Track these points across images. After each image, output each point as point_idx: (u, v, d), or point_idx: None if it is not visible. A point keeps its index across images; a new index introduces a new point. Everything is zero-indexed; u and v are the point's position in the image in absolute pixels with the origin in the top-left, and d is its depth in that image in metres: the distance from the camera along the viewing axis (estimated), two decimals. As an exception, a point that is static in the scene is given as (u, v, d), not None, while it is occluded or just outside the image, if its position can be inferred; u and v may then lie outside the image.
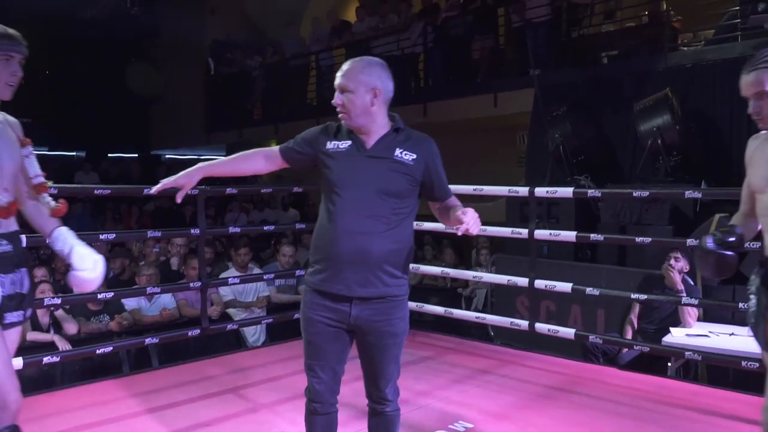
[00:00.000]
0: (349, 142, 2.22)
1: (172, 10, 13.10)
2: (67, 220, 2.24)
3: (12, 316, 2.03)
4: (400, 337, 2.23)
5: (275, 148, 2.36)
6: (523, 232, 4.12)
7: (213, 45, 13.77)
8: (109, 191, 3.75)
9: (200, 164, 2.29)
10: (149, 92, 13.91)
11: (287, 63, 11.73)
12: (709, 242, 2.12)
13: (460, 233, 2.11)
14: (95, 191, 3.71)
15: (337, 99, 2.20)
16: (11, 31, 1.92)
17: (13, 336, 2.06)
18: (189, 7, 13.50)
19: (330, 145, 2.23)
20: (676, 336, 3.95)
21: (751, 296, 2.07)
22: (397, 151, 2.20)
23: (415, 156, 2.20)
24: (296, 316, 3.47)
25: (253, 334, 5.44)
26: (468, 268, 6.94)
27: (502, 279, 4.48)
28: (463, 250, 7.55)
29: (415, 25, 9.32)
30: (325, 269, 2.16)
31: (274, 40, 12.63)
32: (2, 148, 1.99)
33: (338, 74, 2.22)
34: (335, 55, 10.60)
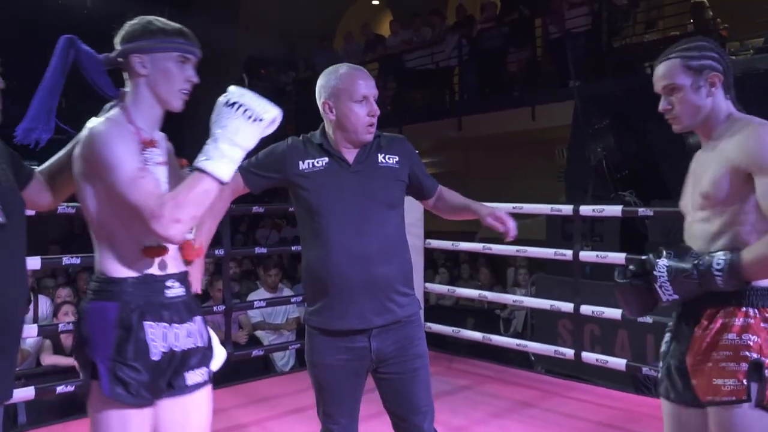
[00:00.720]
0: (326, 159, 2.01)
1: (206, 27, 13.10)
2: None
3: (194, 375, 1.61)
4: (426, 357, 2.03)
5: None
6: (567, 254, 3.86)
7: (247, 61, 13.83)
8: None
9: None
10: (184, 109, 13.95)
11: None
12: (617, 275, 1.77)
13: (511, 237, 1.98)
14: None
15: (376, 109, 2.02)
16: (184, 28, 1.66)
17: (198, 402, 1.63)
18: (222, 23, 13.55)
19: (303, 165, 2.01)
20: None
21: (667, 334, 1.78)
22: (380, 158, 2.03)
23: (397, 158, 2.04)
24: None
25: (282, 357, 5.27)
26: (505, 288, 6.68)
27: (545, 304, 4.20)
28: (499, 268, 7.29)
29: (450, 38, 9.14)
30: (331, 305, 1.96)
31: (306, 56, 12.60)
32: (172, 178, 1.68)
33: (369, 81, 2.02)
34: (369, 69, 10.41)
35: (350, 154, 2.02)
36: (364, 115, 1.99)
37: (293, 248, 4.94)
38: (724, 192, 1.60)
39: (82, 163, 1.54)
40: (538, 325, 5.74)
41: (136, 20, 1.65)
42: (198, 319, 1.66)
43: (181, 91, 1.62)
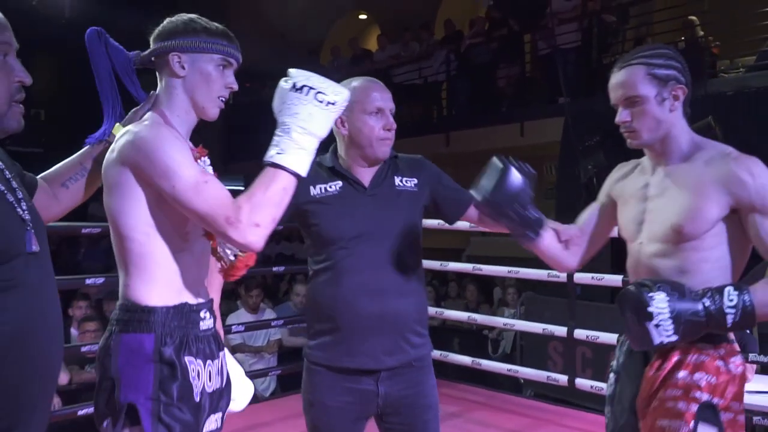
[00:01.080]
0: (340, 183, 1.84)
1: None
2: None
3: (210, 424, 1.44)
4: (437, 408, 1.87)
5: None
6: (561, 276, 3.72)
7: (234, 77, 13.67)
8: (99, 230, 3.32)
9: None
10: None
11: (307, 92, 11.50)
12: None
13: None
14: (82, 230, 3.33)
15: (393, 122, 1.85)
16: (228, 30, 1.50)
17: None
18: (209, 36, 13.42)
19: (315, 190, 1.83)
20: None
21: (611, 375, 1.63)
22: (397, 180, 1.87)
23: (416, 180, 1.88)
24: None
25: (263, 382, 5.06)
26: (492, 306, 6.53)
27: (537, 327, 4.06)
28: (487, 286, 7.14)
29: (438, 53, 9.06)
30: (340, 340, 1.78)
31: (293, 69, 12.48)
32: None
33: (384, 93, 1.87)
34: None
35: (365, 176, 1.86)
36: (379, 128, 1.83)
37: (274, 269, 4.78)
38: (703, 227, 1.47)
39: (126, 171, 1.36)
40: (528, 346, 5.58)
41: (176, 17, 1.49)
42: (222, 354, 1.51)
43: (220, 98, 1.47)
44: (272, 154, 1.34)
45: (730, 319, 1.38)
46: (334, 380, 1.79)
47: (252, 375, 4.64)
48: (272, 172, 1.34)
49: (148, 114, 1.47)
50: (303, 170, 1.35)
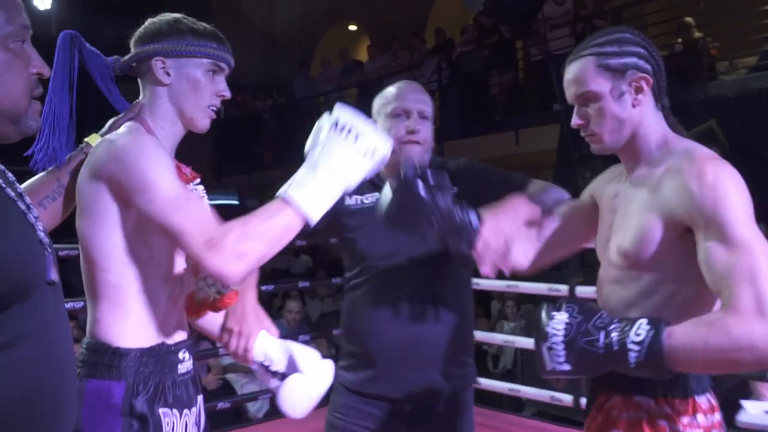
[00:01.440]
0: (377, 194, 1.68)
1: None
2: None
3: None
4: None
5: None
6: (562, 289, 3.53)
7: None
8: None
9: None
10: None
11: (297, 104, 11.41)
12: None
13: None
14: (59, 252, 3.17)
15: (419, 125, 1.67)
16: (218, 31, 1.36)
17: None
18: (198, 50, 13.30)
19: (351, 200, 1.71)
20: (753, 413, 3.30)
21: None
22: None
23: (455, 189, 1.67)
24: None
25: (254, 403, 4.86)
26: (490, 320, 6.33)
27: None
28: (484, 299, 6.95)
29: (429, 62, 8.91)
30: (368, 365, 1.65)
31: (283, 82, 12.34)
32: None
33: (412, 94, 1.70)
34: (347, 95, 10.24)
35: None
36: (401, 132, 1.66)
37: (263, 287, 4.57)
38: (650, 251, 1.23)
39: (101, 187, 1.20)
40: (529, 361, 5.38)
41: (159, 17, 1.33)
42: (200, 398, 1.35)
43: (210, 108, 1.33)
44: (288, 188, 1.18)
45: (632, 356, 1.10)
46: (358, 403, 1.66)
47: (244, 400, 4.48)
48: (280, 205, 1.18)
49: (128, 123, 1.30)
50: (315, 215, 1.18)
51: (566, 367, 1.16)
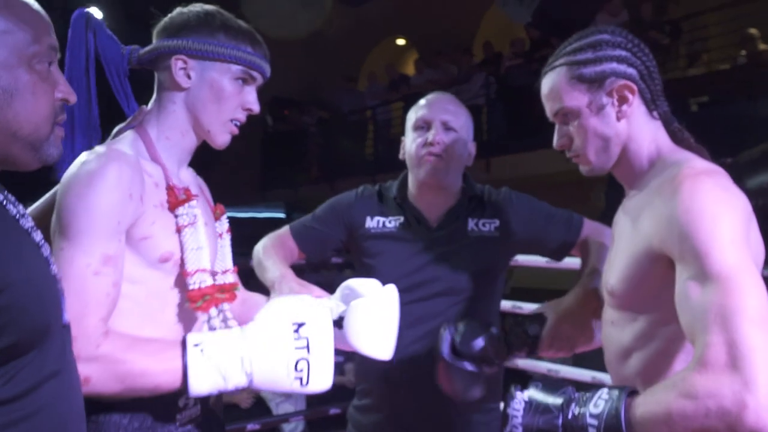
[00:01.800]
0: (401, 218, 1.54)
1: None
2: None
3: None
4: None
5: (284, 232, 1.63)
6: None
7: (271, 102, 13.65)
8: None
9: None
10: (207, 152, 13.81)
11: (344, 119, 11.36)
12: (444, 346, 1.31)
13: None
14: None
15: (439, 136, 1.50)
16: (255, 32, 1.19)
17: None
18: (246, 65, 13.43)
19: (371, 222, 1.56)
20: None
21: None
22: (471, 224, 1.54)
23: (497, 222, 1.54)
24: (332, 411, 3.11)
25: (288, 424, 4.72)
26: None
27: (585, 375, 3.57)
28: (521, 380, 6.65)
29: (477, 76, 8.72)
30: (378, 407, 1.51)
31: (329, 96, 12.34)
32: (209, 232, 1.23)
33: (435, 104, 1.55)
34: (393, 108, 10.14)
35: (433, 211, 1.55)
36: (418, 145, 1.52)
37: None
38: (639, 289, 1.06)
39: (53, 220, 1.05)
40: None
41: (189, 7, 1.17)
42: None
43: (233, 122, 1.16)
44: (194, 340, 0.99)
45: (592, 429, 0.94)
46: None
47: (276, 422, 4.34)
48: (173, 354, 0.99)
49: (126, 133, 1.14)
50: (195, 389, 0.98)
51: None
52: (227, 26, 1.14)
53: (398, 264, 1.47)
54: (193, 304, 1.12)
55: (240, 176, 13.88)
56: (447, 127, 1.54)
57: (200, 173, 1.36)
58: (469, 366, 1.29)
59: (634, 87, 1.11)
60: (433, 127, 1.54)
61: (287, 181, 12.83)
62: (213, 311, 1.13)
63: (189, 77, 1.13)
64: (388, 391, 1.50)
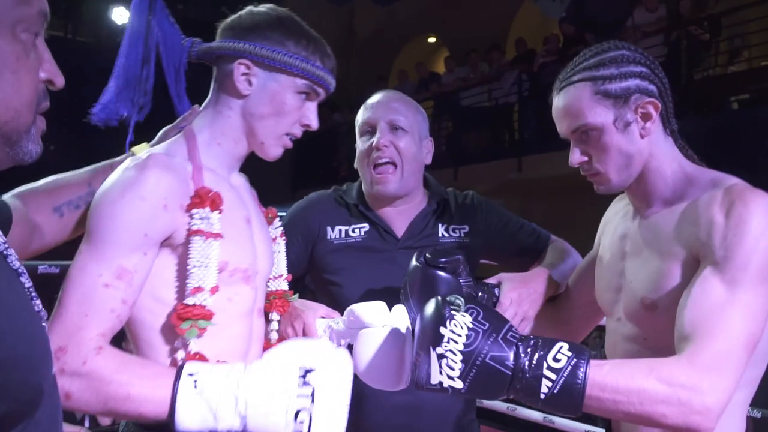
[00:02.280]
0: (366, 226, 1.43)
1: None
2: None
3: None
4: None
5: None
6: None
7: (301, 102, 13.67)
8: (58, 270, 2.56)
9: None
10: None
11: (373, 118, 11.31)
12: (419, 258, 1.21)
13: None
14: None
15: (384, 139, 1.41)
16: (326, 44, 1.13)
17: None
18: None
19: (333, 233, 1.44)
20: None
21: None
22: (441, 230, 1.45)
23: (466, 228, 1.45)
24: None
25: None
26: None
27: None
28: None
29: (509, 74, 8.57)
30: (357, 426, 1.37)
31: (360, 95, 12.29)
32: (263, 236, 1.18)
33: (379, 104, 1.45)
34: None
35: (398, 221, 1.45)
36: (363, 152, 1.43)
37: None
38: (672, 299, 1.03)
39: None
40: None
41: (262, 7, 1.11)
42: None
43: (288, 137, 1.11)
44: (190, 371, 0.91)
45: (545, 387, 0.89)
46: None
47: None
48: (164, 382, 0.91)
49: (175, 138, 1.08)
50: (182, 423, 0.90)
51: (458, 385, 0.91)
52: (299, 35, 1.08)
53: (366, 279, 1.35)
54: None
55: (271, 177, 13.92)
56: (394, 127, 1.43)
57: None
58: (439, 272, 1.20)
59: (659, 104, 1.10)
60: (378, 130, 1.43)
61: (318, 181, 12.79)
62: (192, 333, 1.02)
63: (250, 84, 1.07)
64: (368, 416, 1.39)
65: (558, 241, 1.53)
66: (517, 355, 0.91)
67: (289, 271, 1.47)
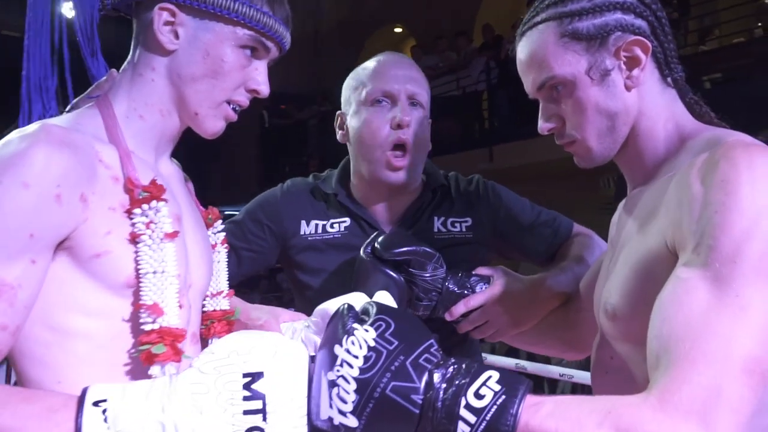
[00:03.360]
0: (347, 221, 1.23)
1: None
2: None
3: None
4: None
5: None
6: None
7: (267, 97, 13.42)
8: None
9: None
10: (207, 149, 13.61)
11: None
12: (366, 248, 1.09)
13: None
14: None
15: (408, 116, 1.20)
16: None
17: None
18: (242, 59, 13.29)
19: (308, 227, 1.23)
20: None
21: None
22: (437, 223, 1.22)
23: (469, 221, 1.23)
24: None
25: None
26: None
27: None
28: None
29: (477, 61, 8.40)
30: None
31: (327, 88, 12.09)
32: (198, 240, 0.97)
33: (399, 71, 1.23)
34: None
35: (386, 212, 1.24)
36: (383, 126, 1.19)
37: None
38: (644, 306, 0.76)
39: None
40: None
41: None
42: None
43: (231, 106, 0.89)
44: (95, 396, 0.68)
45: (462, 430, 0.65)
46: None
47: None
48: (64, 412, 0.68)
49: (86, 107, 0.87)
50: None
51: (352, 423, 0.67)
52: None
53: (345, 281, 1.12)
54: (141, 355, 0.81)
55: (241, 174, 13.64)
56: (413, 103, 1.22)
57: (192, 168, 1.02)
58: (386, 269, 1.04)
59: (648, 44, 0.85)
60: (399, 104, 1.21)
61: (287, 177, 12.50)
62: (155, 370, 0.80)
63: (177, 36, 0.85)
64: None
65: (581, 234, 1.31)
66: (429, 386, 0.67)
67: (253, 268, 1.29)
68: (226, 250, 1.05)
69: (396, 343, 0.69)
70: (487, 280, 1.13)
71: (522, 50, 0.92)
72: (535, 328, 1.16)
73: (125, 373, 0.82)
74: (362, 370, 0.67)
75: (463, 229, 1.27)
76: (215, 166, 14.73)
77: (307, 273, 1.24)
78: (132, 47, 0.90)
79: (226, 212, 1.13)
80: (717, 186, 0.70)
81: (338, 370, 0.68)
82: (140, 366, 0.81)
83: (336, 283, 1.18)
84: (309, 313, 1.22)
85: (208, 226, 1.03)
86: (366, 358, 0.68)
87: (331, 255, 1.23)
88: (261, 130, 13.15)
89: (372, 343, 0.68)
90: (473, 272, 1.14)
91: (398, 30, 12.68)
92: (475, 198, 1.31)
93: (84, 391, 0.69)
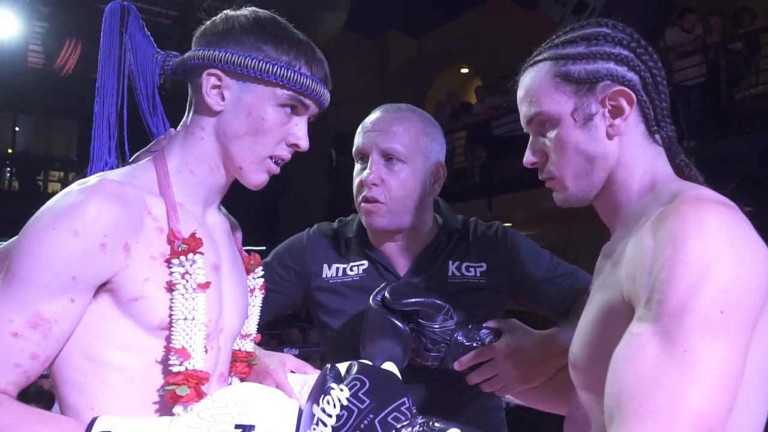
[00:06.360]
0: (365, 264, 1.27)
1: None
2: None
3: None
4: None
5: None
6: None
7: (335, 136, 13.67)
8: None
9: None
10: (277, 186, 13.94)
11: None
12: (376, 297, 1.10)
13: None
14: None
15: (373, 175, 1.23)
16: (315, 48, 0.97)
17: None
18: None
19: (330, 270, 1.29)
20: None
21: None
22: (452, 267, 1.25)
23: (484, 267, 1.24)
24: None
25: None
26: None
27: None
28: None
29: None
30: None
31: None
32: (235, 287, 1.04)
33: (373, 127, 1.26)
34: (455, 138, 9.89)
35: (401, 257, 1.27)
36: (357, 183, 1.27)
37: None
38: (599, 358, 0.78)
39: None
40: None
41: (239, 11, 0.96)
42: None
43: (273, 160, 0.96)
44: (102, 426, 0.78)
45: None
46: None
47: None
48: (71, 425, 0.80)
49: (143, 162, 0.94)
50: None
51: None
52: (278, 37, 0.92)
53: (362, 323, 1.17)
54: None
55: (309, 210, 13.90)
56: (389, 158, 1.25)
57: (275, 210, 1.10)
58: (393, 319, 1.06)
59: (633, 96, 0.87)
60: (370, 161, 1.26)
61: (351, 212, 12.63)
62: (178, 409, 0.87)
63: (223, 98, 0.92)
64: None
65: None
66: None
67: (279, 309, 1.35)
68: (263, 296, 1.11)
69: (368, 402, 0.74)
70: (497, 333, 1.14)
71: (521, 85, 0.96)
72: (545, 386, 1.15)
73: (152, 406, 0.89)
74: (334, 429, 0.72)
75: (478, 274, 1.28)
76: (286, 204, 15.12)
77: (327, 314, 1.29)
78: (187, 109, 0.98)
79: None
80: (666, 241, 0.71)
81: (314, 429, 0.73)
82: (166, 402, 0.88)
83: (354, 325, 1.21)
84: (331, 353, 1.30)
85: (249, 271, 1.09)
86: (338, 417, 0.73)
87: (350, 297, 1.27)
88: (330, 168, 13.42)
89: (345, 402, 0.74)
90: (483, 325, 1.16)
91: (464, 71, 12.78)
92: (492, 244, 1.32)
93: (93, 421, 0.78)
